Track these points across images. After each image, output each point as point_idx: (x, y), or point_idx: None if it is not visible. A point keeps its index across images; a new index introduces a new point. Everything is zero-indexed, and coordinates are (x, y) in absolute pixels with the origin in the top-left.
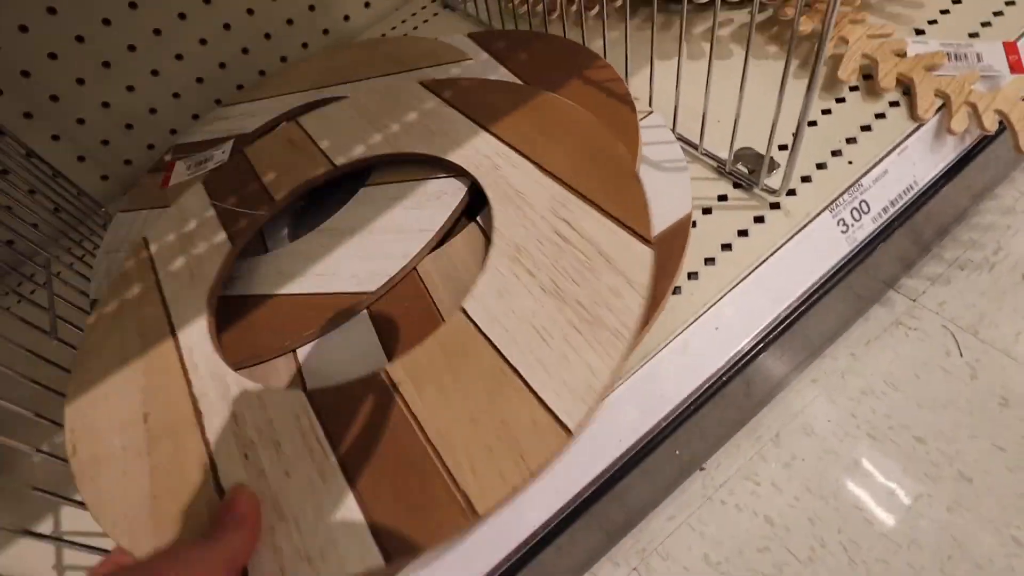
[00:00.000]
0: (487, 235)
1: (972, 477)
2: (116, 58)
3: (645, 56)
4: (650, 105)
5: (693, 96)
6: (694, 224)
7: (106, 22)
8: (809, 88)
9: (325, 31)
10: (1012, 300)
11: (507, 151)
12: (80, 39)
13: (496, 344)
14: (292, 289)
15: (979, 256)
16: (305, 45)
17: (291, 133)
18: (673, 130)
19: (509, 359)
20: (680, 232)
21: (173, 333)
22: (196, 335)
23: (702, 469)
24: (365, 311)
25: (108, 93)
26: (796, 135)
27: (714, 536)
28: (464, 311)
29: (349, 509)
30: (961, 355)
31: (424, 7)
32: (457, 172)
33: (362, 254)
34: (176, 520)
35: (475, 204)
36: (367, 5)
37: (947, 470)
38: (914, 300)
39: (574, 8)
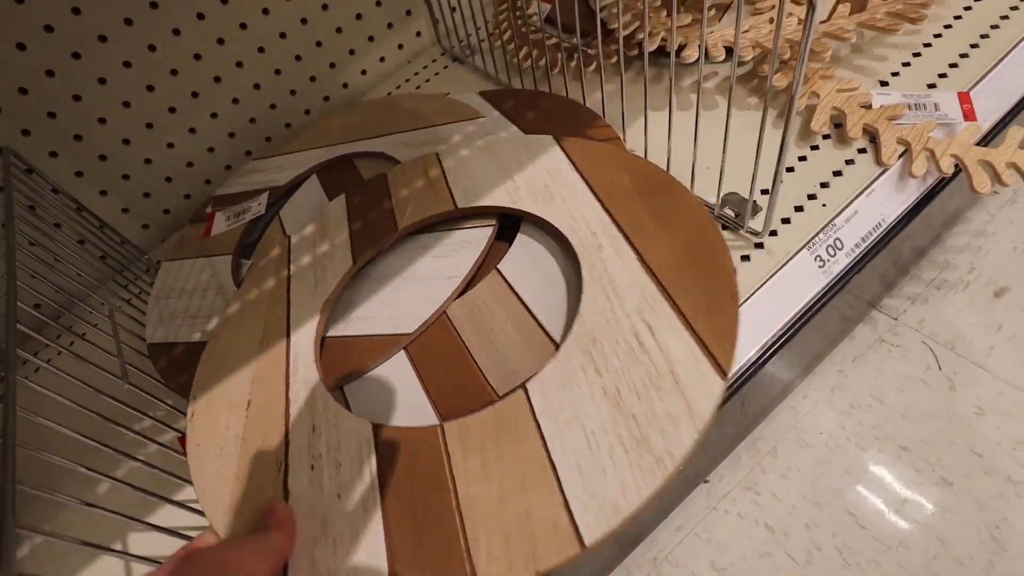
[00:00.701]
0: (508, 283)
1: (953, 481)
2: (158, 119)
3: (639, 108)
4: (646, 156)
5: (684, 145)
6: None
7: (150, 88)
8: (783, 144)
9: (344, 85)
10: (985, 317)
11: (615, 233)
12: (127, 104)
13: (544, 435)
14: (338, 332)
15: (954, 276)
16: (327, 99)
17: (429, 166)
18: None
19: (551, 453)
20: None
21: (288, 335)
22: (304, 341)
23: (706, 482)
24: (403, 350)
25: (150, 151)
26: (775, 182)
27: (719, 543)
28: (525, 391)
29: (376, 547)
30: (940, 369)
31: (434, 60)
32: (559, 239)
33: (398, 300)
34: (248, 504)
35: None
36: (381, 60)
37: (930, 475)
38: (895, 319)
39: (573, 64)
